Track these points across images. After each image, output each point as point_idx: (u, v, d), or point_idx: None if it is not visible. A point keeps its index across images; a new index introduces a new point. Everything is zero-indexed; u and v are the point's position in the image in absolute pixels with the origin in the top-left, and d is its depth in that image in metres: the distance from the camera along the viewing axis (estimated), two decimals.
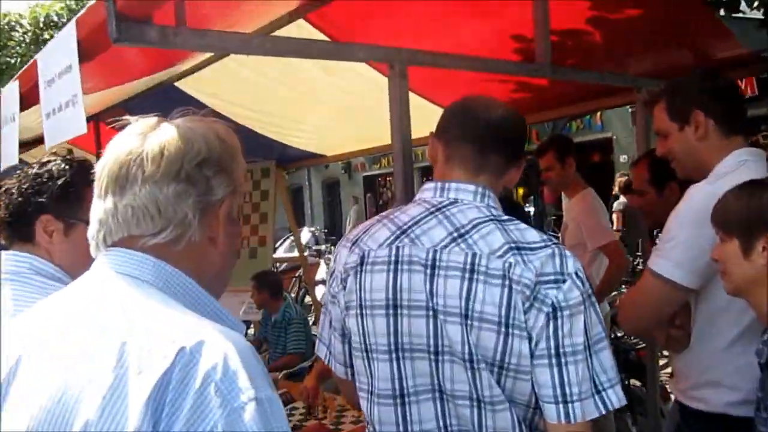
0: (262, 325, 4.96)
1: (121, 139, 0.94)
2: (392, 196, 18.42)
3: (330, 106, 4.18)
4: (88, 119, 4.95)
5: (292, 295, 9.19)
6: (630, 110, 12.24)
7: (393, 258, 1.27)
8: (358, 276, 1.30)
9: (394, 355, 1.26)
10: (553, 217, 11.85)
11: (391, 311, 1.26)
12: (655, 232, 3.30)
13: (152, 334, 0.78)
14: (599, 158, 13.52)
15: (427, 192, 1.33)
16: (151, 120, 0.96)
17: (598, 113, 12.70)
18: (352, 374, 1.39)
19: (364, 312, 1.30)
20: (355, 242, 1.35)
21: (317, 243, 13.57)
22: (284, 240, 11.17)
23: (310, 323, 6.75)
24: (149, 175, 0.89)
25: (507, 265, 1.17)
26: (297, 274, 8.79)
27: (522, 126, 1.39)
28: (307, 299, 8.35)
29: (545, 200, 10.46)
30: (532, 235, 1.23)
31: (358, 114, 4.17)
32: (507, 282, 1.17)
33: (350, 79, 3.59)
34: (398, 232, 1.29)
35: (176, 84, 4.18)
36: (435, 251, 1.23)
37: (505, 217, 1.26)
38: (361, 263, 1.31)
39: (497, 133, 1.32)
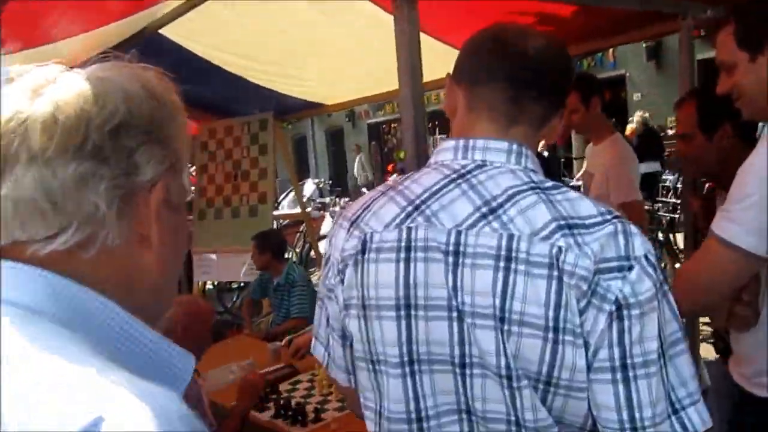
0: (258, 286, 4.71)
1: (4, 100, 0.63)
2: (397, 143, 18.07)
3: (329, 51, 3.84)
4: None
5: (297, 249, 8.99)
6: (644, 45, 11.80)
7: (403, 243, 0.97)
8: (360, 267, 1.01)
9: (407, 369, 0.98)
10: (563, 160, 11.50)
11: (402, 313, 0.97)
12: (705, 185, 2.94)
13: (34, 412, 0.49)
14: (611, 97, 13.05)
15: (446, 153, 1.02)
16: (52, 69, 0.66)
17: (610, 50, 12.21)
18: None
19: (368, 314, 1.00)
20: (355, 221, 1.04)
21: (321, 195, 13.28)
22: (288, 193, 10.89)
23: (315, 283, 6.56)
24: (38, 151, 0.59)
25: (555, 249, 0.88)
26: (301, 229, 8.53)
27: (568, 61, 1.06)
28: (312, 255, 8.08)
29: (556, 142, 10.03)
30: (586, 207, 0.92)
31: (360, 59, 3.83)
32: (556, 272, 0.87)
33: (351, 21, 3.24)
34: (410, 208, 0.98)
35: (162, 32, 3.85)
36: (458, 233, 0.93)
37: (549, 183, 0.96)
38: (363, 250, 1.00)
39: (538, 70, 0.99)
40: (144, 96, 0.66)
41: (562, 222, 0.89)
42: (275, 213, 5.68)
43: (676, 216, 6.94)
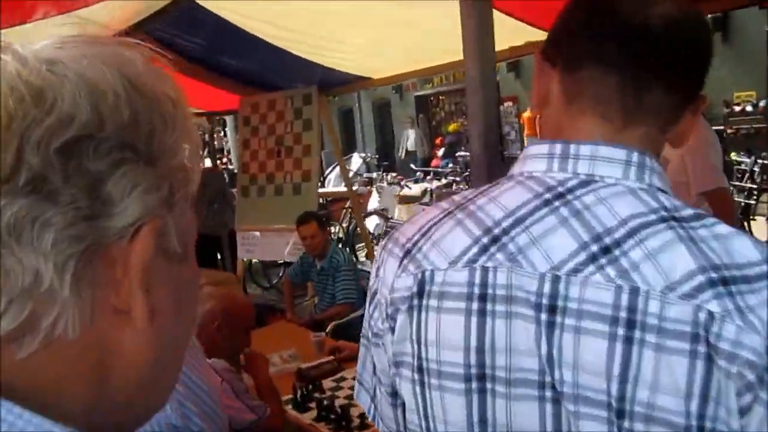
0: (300, 269, 4.52)
1: None
2: (445, 116, 17.63)
3: (376, 22, 3.57)
4: None
5: (344, 224, 8.80)
6: (710, 16, 11.07)
7: (477, 289, 0.71)
8: (416, 316, 0.75)
9: None
10: None
11: (474, 386, 0.71)
12: None
13: None
14: None
15: (536, 161, 0.75)
16: None
17: None
18: None
19: (426, 380, 0.74)
20: (409, 251, 0.77)
21: (368, 170, 13.03)
22: (334, 167, 10.70)
23: (361, 266, 6.31)
24: None
25: (703, 316, 0.60)
26: (347, 205, 8.34)
27: (707, 33, 0.77)
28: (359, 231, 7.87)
29: None
30: (745, 248, 0.64)
31: (409, 31, 3.56)
32: (703, 349, 0.60)
33: None
34: (485, 240, 0.72)
35: (198, 2, 3.66)
36: (556, 279, 0.67)
37: (689, 211, 0.68)
38: (420, 293, 0.74)
39: (666, 47, 0.71)
40: (122, 90, 0.42)
41: (713, 274, 0.62)
42: (320, 190, 5.47)
43: (752, 202, 6.50)
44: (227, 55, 4.60)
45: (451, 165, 12.42)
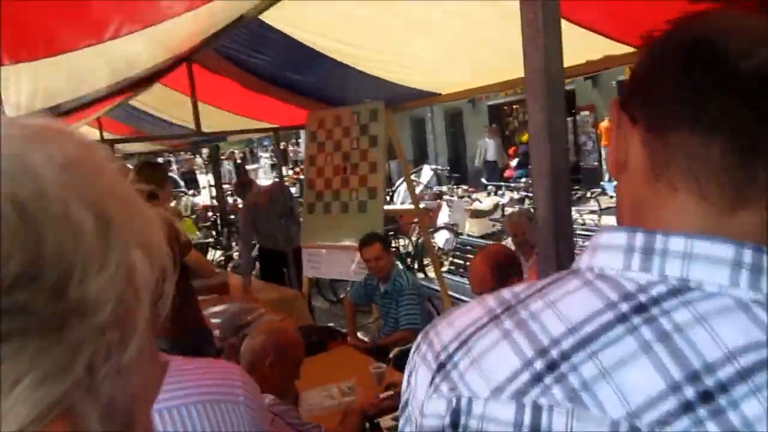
0: (363, 291, 4.38)
1: None
2: (519, 126, 17.23)
3: (443, 36, 3.41)
4: (180, 61, 4.54)
5: (413, 238, 8.64)
6: None
7: (526, 429, 0.53)
8: None
9: None
10: None
11: None
12: None
13: None
14: None
15: (610, 254, 0.57)
16: None
17: None
18: None
19: None
20: (443, 365, 0.60)
21: (439, 182, 12.85)
22: (404, 180, 10.58)
23: (426, 281, 6.08)
24: None
25: None
26: (415, 219, 8.19)
27: None
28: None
29: None
30: None
31: (478, 46, 3.39)
32: None
33: (466, 4, 2.81)
34: (539, 364, 0.54)
35: (262, 18, 3.60)
36: (634, 431, 0.49)
37: None
38: (454, 426, 0.57)
39: None
40: (13, 215, 0.29)
41: None
42: (387, 207, 5.34)
43: None
44: (294, 71, 4.55)
45: (524, 179, 12.08)
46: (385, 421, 2.64)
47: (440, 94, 4.54)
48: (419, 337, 0.67)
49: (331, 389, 3.01)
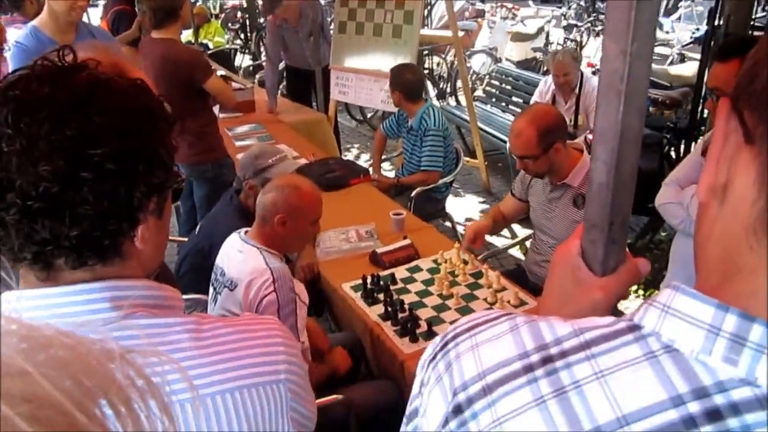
0: (395, 124, 4.20)
1: None
2: None
3: None
4: None
5: (448, 58, 8.20)
6: None
7: None
8: None
9: None
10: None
11: None
12: None
13: None
14: None
15: (687, 329, 0.43)
16: None
17: None
18: None
19: None
20: (460, 408, 0.50)
21: None
22: None
23: (456, 108, 5.77)
24: None
25: None
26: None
27: None
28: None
29: None
30: None
31: None
32: None
33: None
34: None
35: None
36: None
37: None
38: None
39: None
40: None
41: None
42: (422, 32, 4.97)
43: None
44: None
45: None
46: (400, 272, 2.63)
47: None
48: (437, 344, 0.57)
49: (349, 231, 2.98)
